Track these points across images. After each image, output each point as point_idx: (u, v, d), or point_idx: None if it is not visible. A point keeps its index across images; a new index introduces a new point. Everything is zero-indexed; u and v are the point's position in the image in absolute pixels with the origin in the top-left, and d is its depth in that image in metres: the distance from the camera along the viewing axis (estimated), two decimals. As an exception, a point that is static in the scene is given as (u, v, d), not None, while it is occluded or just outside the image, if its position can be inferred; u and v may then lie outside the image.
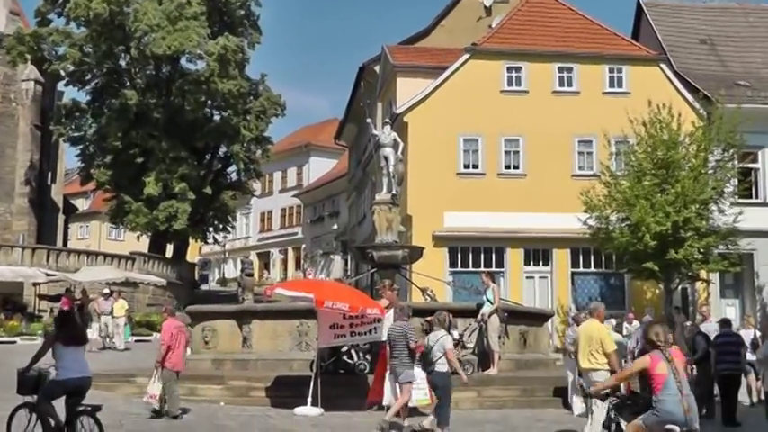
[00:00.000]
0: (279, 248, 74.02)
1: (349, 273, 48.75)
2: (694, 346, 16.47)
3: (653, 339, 8.36)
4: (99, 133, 45.44)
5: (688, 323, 21.17)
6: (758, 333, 19.61)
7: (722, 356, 15.75)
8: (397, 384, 13.52)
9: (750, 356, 17.60)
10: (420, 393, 15.44)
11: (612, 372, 11.87)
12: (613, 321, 17.82)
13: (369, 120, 25.88)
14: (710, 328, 17.81)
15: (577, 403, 12.59)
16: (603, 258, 31.60)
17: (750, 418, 15.01)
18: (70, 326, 10.63)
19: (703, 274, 29.27)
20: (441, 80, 32.85)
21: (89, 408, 9.97)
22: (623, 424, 8.79)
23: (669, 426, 7.92)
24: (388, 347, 13.90)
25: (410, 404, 15.19)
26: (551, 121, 31.88)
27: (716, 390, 16.89)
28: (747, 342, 18.35)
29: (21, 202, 46.01)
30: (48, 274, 36.91)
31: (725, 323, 17.00)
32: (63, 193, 55.09)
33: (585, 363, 12.38)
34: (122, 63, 46.23)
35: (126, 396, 16.73)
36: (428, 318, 17.66)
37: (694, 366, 16.35)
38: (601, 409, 11.73)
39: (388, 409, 13.75)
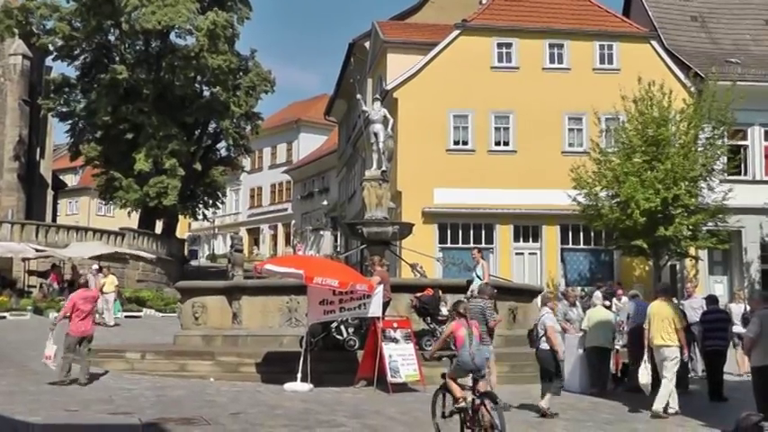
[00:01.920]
0: (269, 224, 74.04)
1: (339, 249, 48.78)
2: None
3: (460, 311, 10.99)
4: (88, 109, 45.16)
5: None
6: (749, 307, 19.68)
7: (709, 333, 15.83)
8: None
9: (739, 329, 17.69)
10: (410, 369, 15.57)
11: (681, 347, 13.37)
12: (599, 294, 17.89)
13: (359, 96, 25.87)
14: (695, 305, 17.88)
15: (644, 372, 13.40)
16: (593, 235, 31.75)
17: (736, 393, 15.10)
18: None
19: (692, 251, 29.40)
20: (431, 56, 32.76)
21: None
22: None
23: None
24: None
25: (399, 380, 15.32)
26: (541, 97, 31.87)
27: (702, 366, 17.05)
28: (739, 316, 18.45)
29: (9, 177, 45.85)
30: (37, 250, 36.77)
31: (712, 300, 17.06)
32: (52, 169, 54.92)
33: (659, 339, 13.34)
34: (111, 38, 45.86)
35: (116, 371, 16.75)
36: (418, 294, 17.78)
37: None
38: (672, 376, 13.12)
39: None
